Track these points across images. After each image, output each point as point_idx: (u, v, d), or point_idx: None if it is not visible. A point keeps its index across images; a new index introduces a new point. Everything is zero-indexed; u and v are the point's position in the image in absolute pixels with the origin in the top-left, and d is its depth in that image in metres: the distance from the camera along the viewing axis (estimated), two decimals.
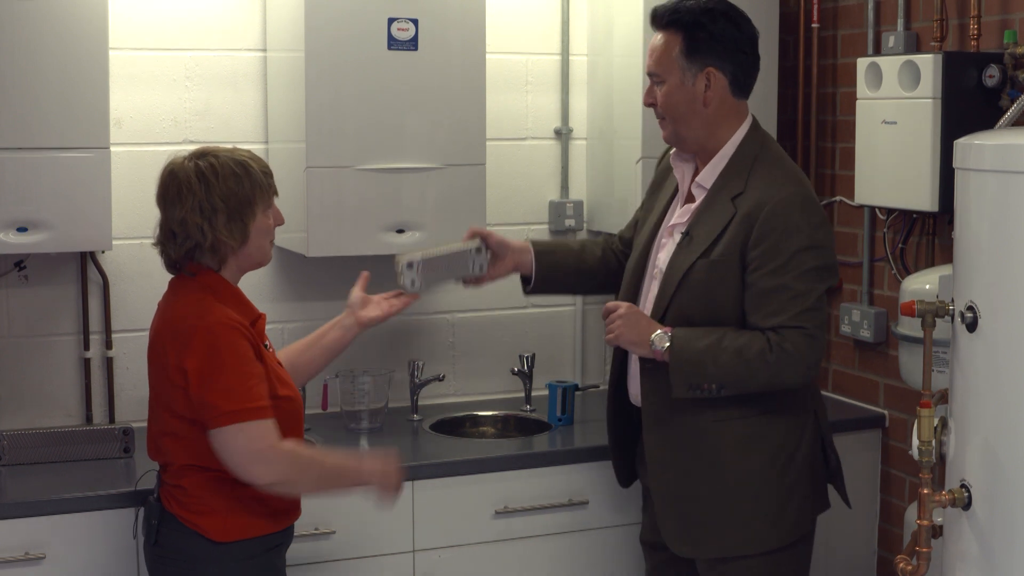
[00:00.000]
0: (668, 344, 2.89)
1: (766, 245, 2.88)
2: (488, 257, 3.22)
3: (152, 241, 2.81)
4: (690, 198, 3.07)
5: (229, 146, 2.87)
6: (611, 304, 3.01)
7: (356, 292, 3.16)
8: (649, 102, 3.05)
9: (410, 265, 3.14)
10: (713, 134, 3.00)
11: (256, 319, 2.84)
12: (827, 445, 3.14)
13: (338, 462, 2.87)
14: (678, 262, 2.98)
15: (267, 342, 2.88)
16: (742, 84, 3.01)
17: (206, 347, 2.66)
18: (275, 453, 2.68)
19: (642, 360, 3.02)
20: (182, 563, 2.77)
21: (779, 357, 2.85)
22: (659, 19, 3.01)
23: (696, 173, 3.06)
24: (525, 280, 3.31)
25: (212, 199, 2.71)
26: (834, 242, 3.02)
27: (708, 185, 3.01)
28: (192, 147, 3.57)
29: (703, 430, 2.98)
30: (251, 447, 2.66)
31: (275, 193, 2.84)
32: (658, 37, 3.02)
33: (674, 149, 3.12)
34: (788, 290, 2.87)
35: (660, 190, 3.21)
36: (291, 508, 2.87)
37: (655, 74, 3.01)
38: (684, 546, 3.07)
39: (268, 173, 2.81)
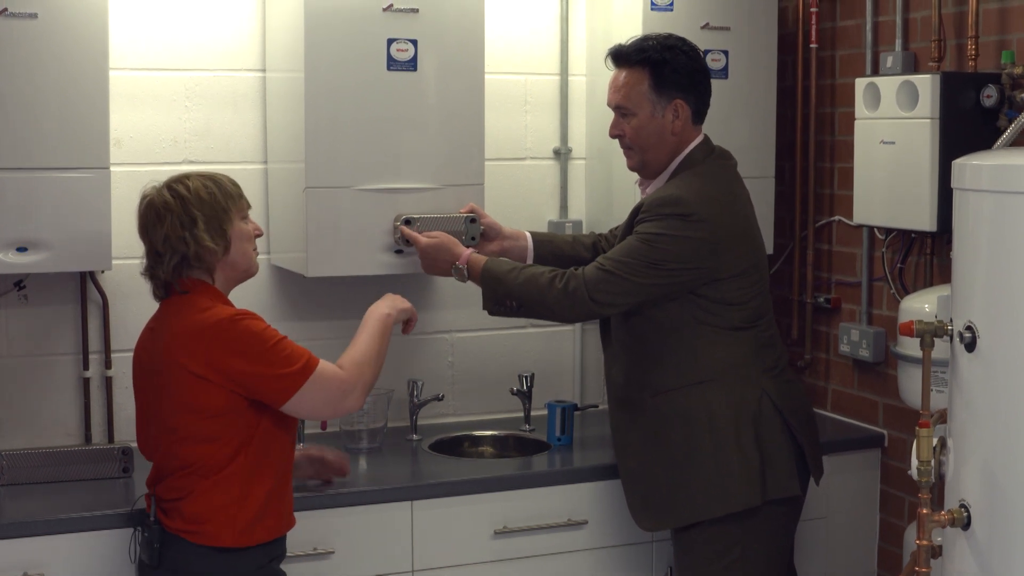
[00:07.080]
0: (466, 267, 3.29)
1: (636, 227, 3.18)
2: (481, 230, 3.51)
3: (140, 271, 2.89)
4: None
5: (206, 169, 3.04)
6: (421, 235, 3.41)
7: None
8: (616, 134, 3.32)
9: (408, 222, 3.42)
10: (673, 159, 3.25)
11: None
12: (793, 427, 3.23)
13: (367, 330, 2.98)
14: None
15: None
16: (702, 112, 3.28)
17: (239, 335, 2.75)
18: (347, 383, 2.84)
19: (604, 351, 3.38)
20: None
21: (566, 283, 3.13)
22: (625, 58, 3.25)
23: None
24: None
25: (189, 210, 2.81)
26: (693, 248, 3.12)
27: None
28: (191, 167, 3.61)
29: (646, 405, 3.22)
30: (330, 393, 2.82)
31: (248, 204, 2.94)
32: (623, 73, 3.27)
33: None
34: (620, 245, 3.16)
35: None
36: (288, 513, 2.92)
37: (623, 107, 3.26)
38: (644, 520, 3.29)
39: (236, 184, 2.93)
